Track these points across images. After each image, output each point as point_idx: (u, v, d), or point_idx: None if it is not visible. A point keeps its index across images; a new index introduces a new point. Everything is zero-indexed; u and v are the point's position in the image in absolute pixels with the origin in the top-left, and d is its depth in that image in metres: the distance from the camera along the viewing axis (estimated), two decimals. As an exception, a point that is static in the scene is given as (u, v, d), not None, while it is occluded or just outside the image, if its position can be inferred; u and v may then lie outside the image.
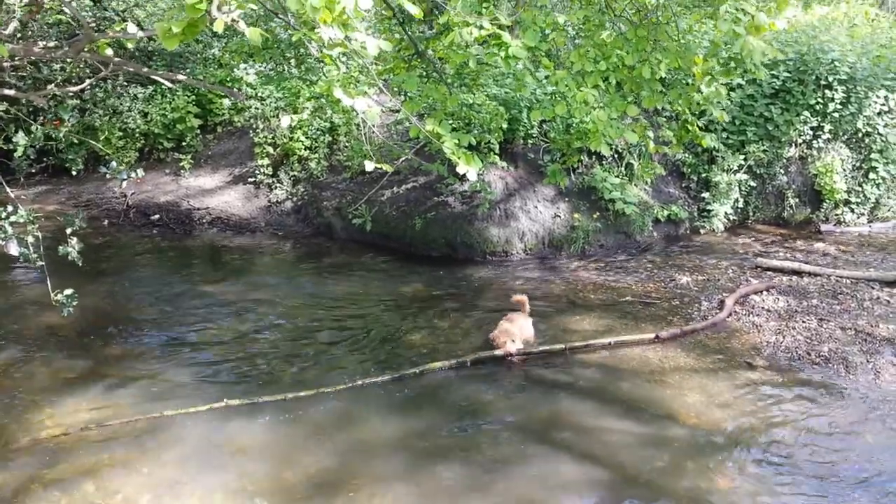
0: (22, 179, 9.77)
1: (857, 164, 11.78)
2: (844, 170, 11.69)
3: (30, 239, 5.44)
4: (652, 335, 7.71)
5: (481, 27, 4.90)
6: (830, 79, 11.32)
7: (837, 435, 6.01)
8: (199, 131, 12.30)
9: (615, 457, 5.74)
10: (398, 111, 10.62)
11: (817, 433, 6.04)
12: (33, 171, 11.81)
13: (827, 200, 11.65)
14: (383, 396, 6.58)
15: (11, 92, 4.79)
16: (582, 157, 10.85)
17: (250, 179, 11.72)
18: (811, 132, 11.59)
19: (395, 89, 8.93)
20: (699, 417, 6.25)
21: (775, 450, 5.81)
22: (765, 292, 8.93)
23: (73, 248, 5.59)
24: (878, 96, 11.53)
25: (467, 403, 6.52)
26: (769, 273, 9.60)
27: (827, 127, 11.52)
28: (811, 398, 6.58)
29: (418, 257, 10.21)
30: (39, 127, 5.28)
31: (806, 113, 11.43)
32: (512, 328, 7.37)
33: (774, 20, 5.93)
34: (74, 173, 10.55)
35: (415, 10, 4.24)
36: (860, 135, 11.68)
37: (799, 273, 9.52)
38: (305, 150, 11.42)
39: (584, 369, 7.15)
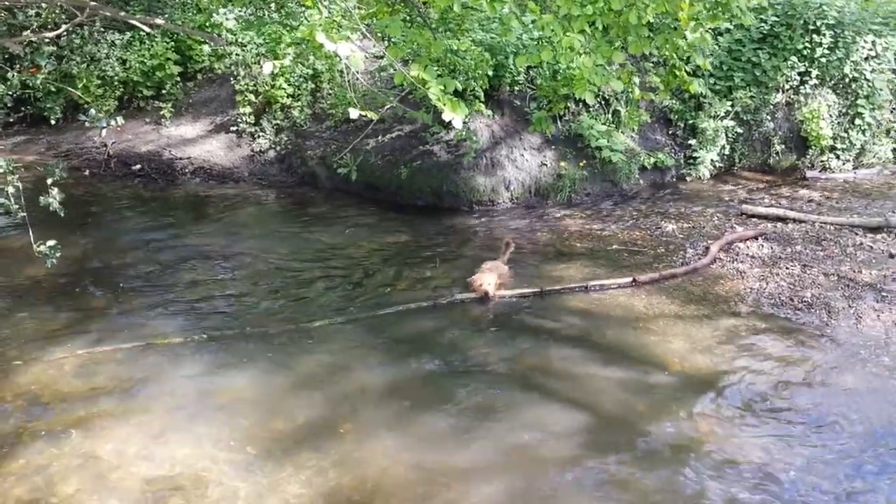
0: (0, 129, 9.58)
1: (844, 110, 11.74)
2: (831, 116, 11.66)
3: (10, 189, 5.35)
4: (629, 279, 7.78)
5: (466, -30, 4.78)
6: (818, 23, 11.21)
7: (819, 379, 6.11)
8: (179, 79, 12.05)
9: (600, 402, 5.82)
10: (382, 57, 10.44)
11: (799, 378, 6.13)
12: (11, 120, 11.58)
13: (813, 147, 11.63)
14: (368, 345, 6.63)
15: (-16, 38, 4.65)
16: (568, 105, 10.74)
17: (232, 128, 11.56)
18: (798, 77, 11.51)
19: (379, 34, 8.77)
20: (683, 363, 6.33)
21: (758, 394, 5.91)
22: (751, 240, 8.97)
23: (54, 198, 5.50)
24: (865, 41, 11.43)
25: (453, 351, 6.57)
26: (754, 220, 9.63)
27: (814, 72, 11.44)
28: (794, 343, 6.66)
29: (404, 207, 10.17)
30: (16, 74, 5.14)
31: (793, 58, 11.34)
32: (488, 272, 7.56)
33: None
34: (53, 122, 10.40)
35: (398, -48, 4.12)
36: (847, 80, 11.61)
37: (784, 220, 9.56)
38: (288, 97, 11.24)
39: (570, 317, 7.20)
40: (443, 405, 5.73)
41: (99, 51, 11.59)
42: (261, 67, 11.16)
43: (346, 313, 7.10)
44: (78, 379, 5.91)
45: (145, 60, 11.71)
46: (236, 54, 11.42)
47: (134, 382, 5.90)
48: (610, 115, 11.06)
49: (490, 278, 7.48)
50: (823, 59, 11.32)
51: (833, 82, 11.64)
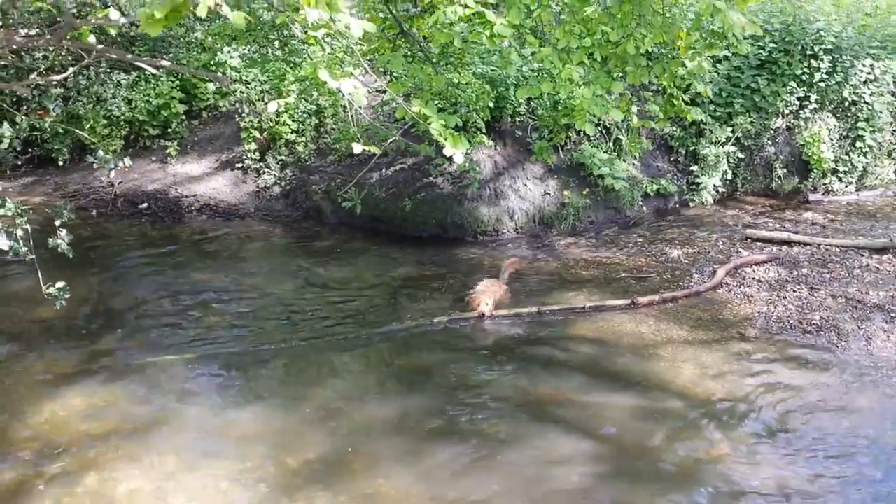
0: (8, 171, 9.66)
1: (844, 133, 11.81)
2: (831, 139, 11.72)
3: (19, 232, 5.41)
4: (627, 300, 7.82)
5: (465, 6, 4.87)
6: (816, 48, 11.31)
7: (830, 402, 6.09)
8: (184, 117, 12.18)
9: (611, 431, 5.80)
10: (384, 91, 10.56)
11: (810, 401, 6.11)
12: (19, 162, 11.70)
13: (815, 170, 11.68)
14: (375, 377, 6.64)
15: (-7, 83, 4.75)
16: (570, 134, 10.83)
17: (238, 165, 11.65)
18: (798, 102, 11.60)
19: (381, 69, 8.88)
20: (693, 389, 6.31)
21: (769, 419, 5.88)
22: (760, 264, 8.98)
23: (62, 240, 5.56)
24: (863, 65, 11.53)
25: (462, 380, 6.57)
26: (759, 244, 9.64)
27: (813, 97, 11.53)
28: (804, 367, 6.65)
29: (409, 238, 10.20)
30: (24, 118, 5.23)
31: (792, 83, 11.43)
32: (485, 290, 7.78)
33: (758, -9, 5.91)
34: (61, 163, 10.48)
35: (398, -10, 4.20)
36: (846, 104, 11.69)
37: (789, 243, 9.57)
38: (292, 133, 11.35)
39: (578, 344, 7.20)
40: (454, 437, 5.72)
41: (105, 91, 11.74)
42: (265, 104, 11.27)
43: (349, 340, 7.12)
44: (89, 420, 5.90)
45: (151, 100, 11.84)
46: (241, 92, 11.56)
47: (145, 422, 5.89)
48: (611, 144, 11.13)
49: (487, 297, 7.65)
50: (822, 84, 11.41)
51: (833, 106, 11.73)
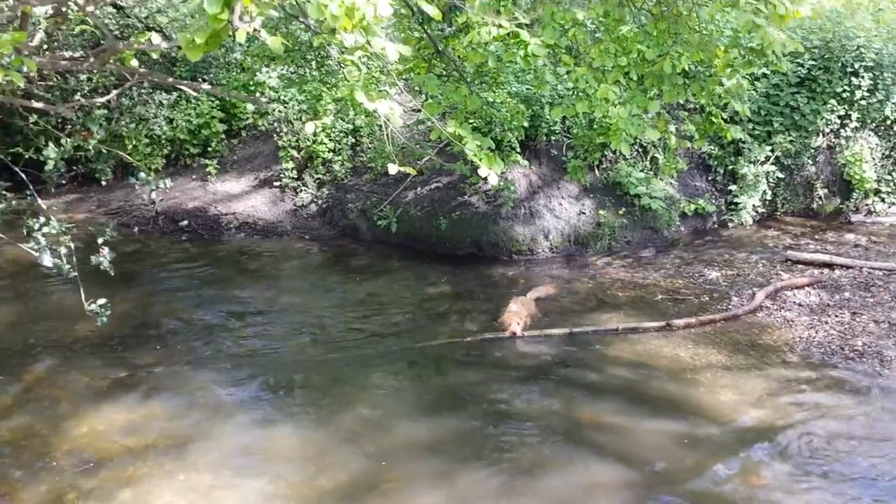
0: (52, 189, 9.89)
1: (887, 153, 11.58)
2: (874, 158, 11.49)
3: (62, 250, 5.53)
4: (662, 323, 7.72)
5: (500, 26, 4.88)
6: (856, 66, 11.13)
7: (874, 432, 5.94)
8: (224, 136, 12.38)
9: (648, 457, 5.72)
10: (419, 110, 10.62)
11: (854, 430, 5.97)
12: (63, 181, 11.96)
13: (857, 190, 11.46)
14: (409, 397, 6.63)
15: (40, 105, 4.88)
16: (605, 153, 10.78)
17: (275, 183, 11.80)
18: (838, 121, 11.40)
19: (416, 88, 8.93)
20: (732, 415, 6.20)
21: (811, 448, 5.75)
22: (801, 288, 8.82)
23: (104, 257, 5.67)
24: (906, 82, 11.32)
25: (495, 402, 6.53)
26: (799, 266, 9.47)
27: (854, 115, 11.33)
28: (846, 394, 6.50)
29: (444, 257, 10.21)
30: (69, 140, 5.36)
31: (833, 101, 11.25)
32: (518, 311, 7.79)
33: (798, 8, 5.83)
34: (104, 183, 10.70)
35: (433, 12, 4.23)
36: (889, 122, 11.47)
37: (830, 265, 9.38)
38: (329, 152, 11.47)
39: (614, 367, 7.13)
40: (487, 460, 5.68)
41: (147, 111, 11.99)
42: (302, 124, 11.40)
43: (383, 357, 7.14)
44: (127, 435, 5.99)
45: (192, 119, 12.06)
46: (279, 111, 11.72)
47: (181, 438, 5.96)
48: (648, 163, 11.05)
49: (518, 318, 7.66)
50: (863, 102, 11.21)
51: (874, 125, 11.51)
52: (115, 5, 9.38)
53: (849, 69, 11.17)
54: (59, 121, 10.64)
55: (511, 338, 7.57)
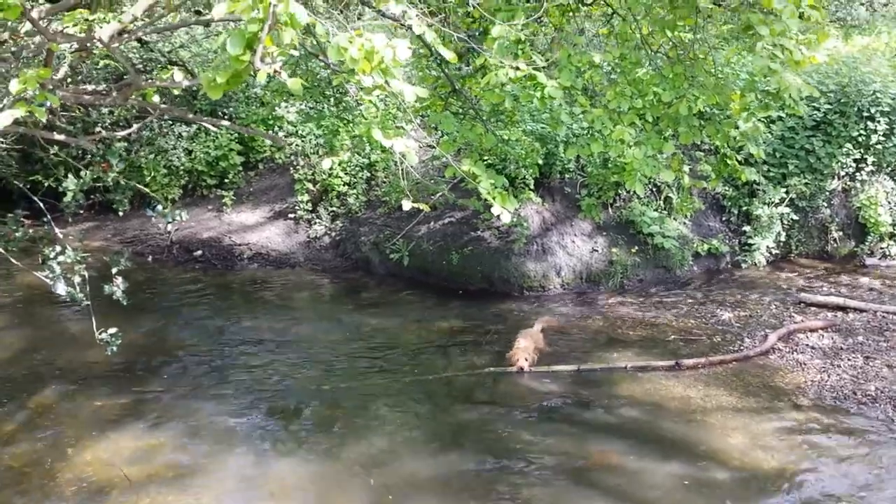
0: (69, 219, 10.02)
1: (903, 197, 11.55)
2: (889, 202, 11.46)
3: (76, 279, 5.58)
4: (672, 362, 7.68)
5: (517, 68, 4.95)
6: (873, 110, 11.15)
7: (885, 479, 5.85)
8: (241, 168, 12.52)
9: (656, 500, 5.65)
10: (434, 146, 10.71)
11: (866, 478, 5.88)
12: (80, 210, 12.09)
13: (872, 234, 11.40)
14: (416, 433, 6.59)
15: (62, 137, 4.97)
16: (619, 191, 10.81)
17: (290, 215, 11.88)
18: (854, 164, 11.40)
19: (432, 125, 9.02)
20: (742, 459, 6.13)
21: (823, 495, 5.67)
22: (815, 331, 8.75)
23: (118, 287, 5.72)
24: (921, 127, 11.32)
25: (502, 440, 6.48)
26: (813, 309, 9.41)
27: (870, 159, 11.33)
28: (859, 440, 6.41)
29: (455, 292, 10.22)
30: (88, 172, 5.45)
31: (848, 145, 11.26)
32: (526, 345, 7.80)
33: (814, 53, 5.88)
34: (121, 213, 10.82)
35: (449, 56, 4.30)
36: (905, 166, 11.47)
37: (843, 309, 9.32)
38: (344, 185, 11.56)
39: (624, 407, 7.07)
40: (494, 499, 5.63)
41: (167, 143, 12.15)
42: (319, 158, 11.52)
43: (391, 391, 7.13)
44: (133, 465, 5.98)
45: (210, 151, 12.21)
46: (296, 145, 11.84)
47: (186, 469, 5.95)
48: (661, 202, 11.07)
49: (526, 353, 7.66)
50: (879, 146, 11.21)
51: (890, 169, 11.49)
52: (139, 40, 9.56)
53: (865, 113, 11.19)
54: (79, 152, 10.79)
55: (519, 373, 7.55)
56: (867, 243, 11.45)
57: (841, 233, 11.58)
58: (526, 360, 7.60)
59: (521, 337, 8.05)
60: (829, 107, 11.27)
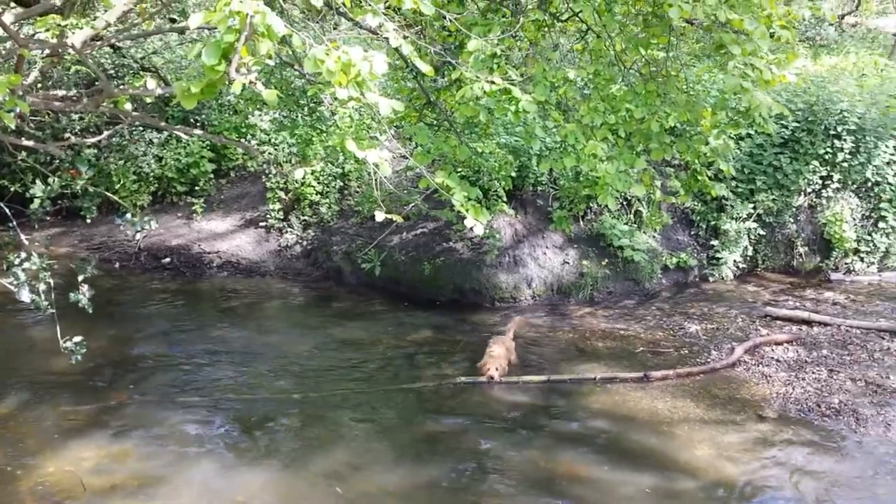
0: (36, 225, 9.85)
1: (867, 213, 11.78)
2: (854, 219, 11.69)
3: (41, 286, 5.49)
4: (640, 373, 7.76)
5: (492, 82, 4.98)
6: (839, 129, 11.37)
7: (848, 490, 5.96)
8: (212, 175, 12.42)
9: (624, 511, 5.69)
10: (407, 157, 10.73)
11: (827, 488, 5.98)
12: (48, 217, 11.92)
13: (837, 249, 11.63)
14: (385, 443, 6.57)
15: (31, 143, 4.90)
16: (591, 204, 10.90)
17: (261, 223, 11.81)
18: (820, 181, 11.62)
19: (406, 137, 9.04)
20: (708, 470, 6.20)
21: (787, 505, 5.75)
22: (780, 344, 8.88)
23: (83, 295, 5.64)
24: (887, 146, 11.57)
25: (472, 451, 6.49)
26: (778, 322, 9.56)
27: (836, 176, 11.56)
28: (822, 452, 6.52)
29: (427, 302, 10.22)
30: (56, 179, 5.38)
31: (815, 162, 11.48)
32: (498, 353, 7.81)
33: (784, 72, 6.00)
34: (89, 221, 10.66)
35: (426, 69, 4.32)
36: (869, 184, 11.70)
37: (808, 323, 9.48)
38: (317, 195, 11.53)
39: (592, 418, 7.12)
40: (463, 511, 5.63)
41: (137, 149, 12.01)
42: (292, 167, 11.47)
43: (361, 401, 7.10)
44: (96, 474, 5.89)
45: (181, 158, 12.09)
46: (269, 153, 11.79)
47: (151, 480, 5.87)
48: (632, 215, 11.18)
49: (496, 362, 7.67)
50: (845, 164, 11.44)
51: (855, 186, 11.74)
52: (112, 46, 9.47)
53: (832, 132, 11.41)
54: (48, 158, 10.64)
55: (488, 382, 7.56)
56: (832, 258, 11.67)
57: (807, 248, 11.79)
58: (496, 369, 7.61)
59: (495, 344, 8.05)
60: (796, 125, 11.48)
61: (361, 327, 9.32)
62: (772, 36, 5.83)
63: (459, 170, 9.85)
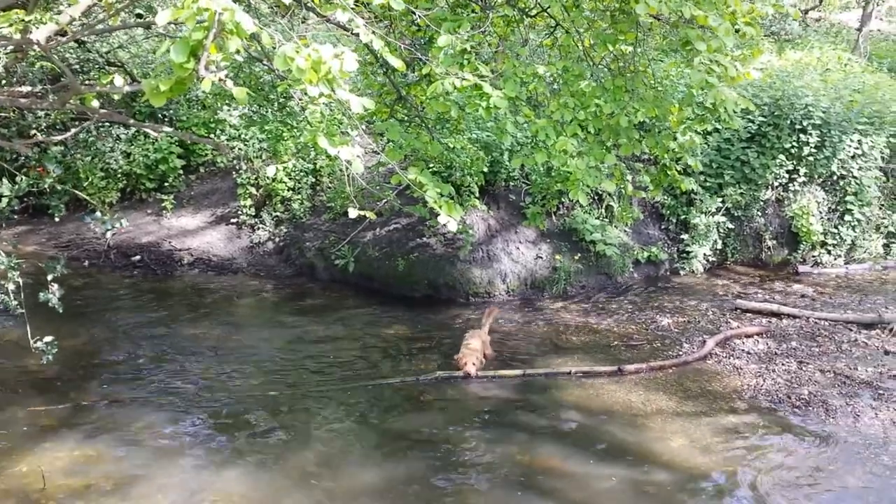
0: (2, 224, 9.69)
1: (833, 207, 11.99)
2: (820, 212, 11.89)
3: (10, 286, 5.41)
4: (614, 367, 7.83)
5: (463, 79, 4.98)
6: (805, 123, 11.55)
7: (818, 479, 6.06)
8: (181, 171, 12.30)
9: (598, 502, 5.74)
10: (379, 153, 10.69)
11: (799, 478, 6.08)
12: (15, 215, 11.73)
13: (804, 242, 11.82)
14: (359, 440, 6.57)
15: (-5, 140, 4.82)
16: (563, 199, 10.96)
17: (233, 220, 11.72)
18: (787, 175, 11.80)
19: (378, 133, 9.01)
20: (681, 462, 6.27)
21: (759, 495, 5.84)
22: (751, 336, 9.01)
23: (53, 294, 5.57)
24: (851, 140, 11.76)
25: (447, 446, 6.51)
26: (748, 315, 9.69)
27: (802, 170, 11.73)
28: (792, 442, 6.63)
29: (401, 298, 10.22)
30: (24, 178, 5.29)
31: (781, 156, 11.64)
32: (474, 348, 7.84)
33: (748, 69, 6.07)
34: (57, 219, 10.51)
35: (397, 64, 4.32)
36: (835, 178, 11.90)
37: (778, 315, 9.62)
38: (289, 191, 11.46)
39: (567, 411, 7.18)
40: (438, 506, 5.65)
41: (104, 145, 11.85)
42: (263, 162, 11.39)
43: (335, 398, 7.09)
44: (69, 475, 5.83)
45: (149, 154, 11.95)
46: (239, 149, 11.69)
47: (125, 479, 5.82)
48: (603, 210, 11.26)
49: (474, 356, 7.70)
50: (811, 158, 11.62)
51: (821, 180, 11.93)
52: (77, 41, 9.32)
53: (797, 126, 11.58)
54: (14, 156, 10.46)
55: (465, 377, 7.59)
56: (800, 251, 11.85)
57: (774, 241, 11.96)
58: (474, 364, 7.64)
59: (471, 337, 8.07)
60: (763, 119, 11.63)
61: (335, 324, 9.29)
62: (737, 32, 5.90)
63: (432, 166, 9.85)
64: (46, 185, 6.31)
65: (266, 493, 5.74)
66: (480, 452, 6.43)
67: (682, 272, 11.49)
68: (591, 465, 6.26)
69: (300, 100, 4.75)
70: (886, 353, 8.48)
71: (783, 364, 8.16)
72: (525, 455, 6.40)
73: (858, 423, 6.93)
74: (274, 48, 3.48)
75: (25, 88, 5.80)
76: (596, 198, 11.26)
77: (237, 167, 11.76)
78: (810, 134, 11.52)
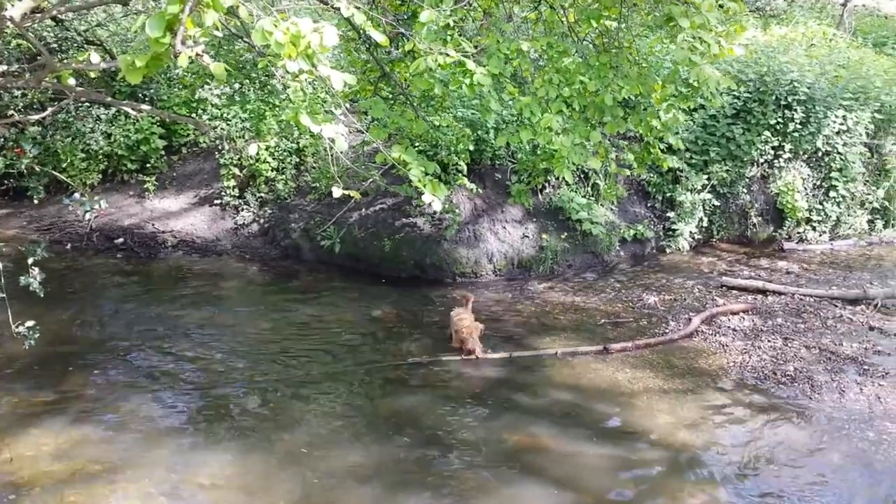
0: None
1: (818, 183, 12.01)
2: (805, 188, 11.91)
3: (-11, 270, 5.32)
4: (600, 347, 7.84)
5: (446, 55, 4.92)
6: (790, 99, 11.54)
7: (805, 454, 6.10)
8: (163, 152, 12.14)
9: (586, 481, 5.76)
10: (363, 132, 10.59)
11: (785, 453, 6.11)
12: (-7, 198, 11.60)
13: (789, 219, 11.85)
14: (349, 420, 6.55)
15: (-30, 121, 4.71)
16: (549, 178, 10.91)
17: (216, 201, 11.61)
18: (772, 152, 11.80)
19: (362, 111, 8.92)
20: (668, 439, 6.29)
21: (745, 471, 5.88)
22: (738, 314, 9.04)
23: (34, 279, 5.48)
24: (836, 116, 11.77)
25: (435, 424, 6.51)
26: (734, 292, 9.72)
27: (787, 146, 11.74)
28: (778, 418, 6.66)
29: (388, 279, 10.18)
30: (1, 158, 5.19)
31: (767, 133, 11.64)
32: (470, 325, 7.80)
33: (732, 46, 6.03)
34: (36, 201, 10.36)
35: (380, 38, 4.25)
36: (820, 154, 11.92)
37: (763, 292, 9.65)
38: (272, 171, 11.35)
39: (555, 390, 7.18)
40: (428, 484, 5.65)
41: (84, 126, 11.67)
42: (245, 142, 11.27)
43: (323, 379, 7.06)
44: (56, 460, 5.78)
45: (130, 135, 11.79)
46: (221, 128, 11.55)
47: (112, 464, 5.77)
48: (589, 188, 11.23)
49: (476, 333, 7.72)
50: (796, 134, 11.62)
51: (806, 156, 11.94)
52: (54, 18, 9.15)
53: (782, 102, 11.58)
54: (-9, 138, 10.31)
55: (468, 356, 7.59)
56: (785, 228, 11.89)
57: (760, 218, 11.98)
58: (480, 347, 7.65)
59: (464, 318, 7.99)
60: (748, 95, 11.62)
61: (322, 305, 9.24)
62: (720, 7, 5.85)
63: (417, 144, 9.77)
64: (24, 167, 6.18)
65: (254, 474, 5.72)
66: (468, 432, 6.43)
67: (668, 250, 11.50)
68: (577, 443, 6.27)
69: (282, 77, 4.68)
70: (871, 328, 8.54)
71: (769, 341, 8.19)
72: (513, 434, 6.40)
73: (844, 398, 6.97)
74: (252, 23, 3.40)
75: (1, 68, 5.68)
76: (582, 176, 11.22)
77: (220, 147, 11.63)
78: (795, 110, 11.52)
